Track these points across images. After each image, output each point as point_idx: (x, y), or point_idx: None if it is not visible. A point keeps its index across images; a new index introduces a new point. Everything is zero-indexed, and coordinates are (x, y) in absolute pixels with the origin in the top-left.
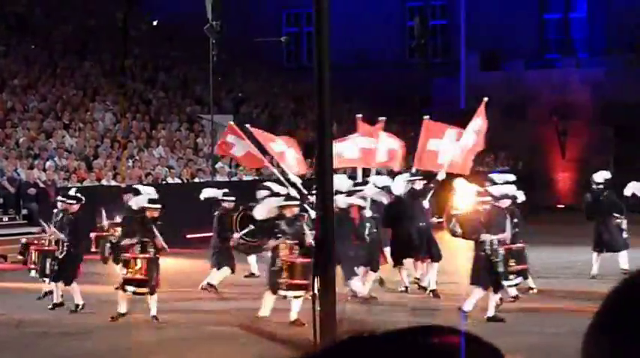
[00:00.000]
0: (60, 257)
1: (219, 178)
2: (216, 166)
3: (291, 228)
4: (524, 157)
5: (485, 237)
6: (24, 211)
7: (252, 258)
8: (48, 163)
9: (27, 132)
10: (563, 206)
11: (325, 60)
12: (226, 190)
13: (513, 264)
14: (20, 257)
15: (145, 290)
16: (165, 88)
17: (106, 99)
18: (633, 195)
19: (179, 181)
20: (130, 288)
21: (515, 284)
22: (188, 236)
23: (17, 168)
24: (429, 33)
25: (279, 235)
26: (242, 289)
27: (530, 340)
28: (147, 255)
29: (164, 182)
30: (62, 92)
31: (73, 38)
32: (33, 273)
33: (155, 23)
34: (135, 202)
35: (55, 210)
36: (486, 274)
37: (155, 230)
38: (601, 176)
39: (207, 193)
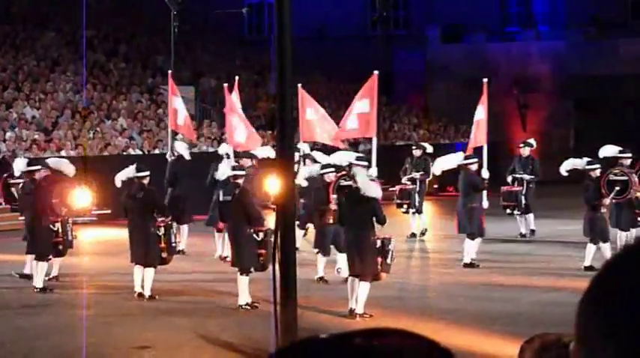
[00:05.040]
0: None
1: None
2: (177, 137)
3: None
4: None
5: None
6: None
7: None
8: (8, 134)
9: None
10: None
11: (287, 32)
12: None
13: None
14: None
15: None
16: (126, 59)
17: (67, 70)
18: None
19: (140, 152)
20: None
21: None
22: None
23: None
24: (390, 5)
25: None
26: (205, 264)
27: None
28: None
29: (125, 153)
30: (23, 63)
31: (33, 9)
32: None
33: None
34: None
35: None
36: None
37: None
38: None
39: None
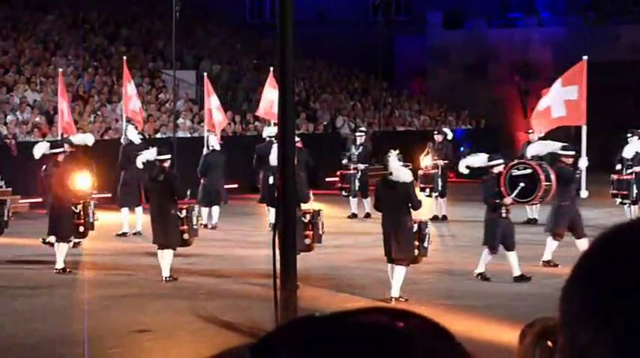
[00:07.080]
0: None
1: (180, 134)
2: (178, 122)
3: None
4: (486, 116)
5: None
6: None
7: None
8: (9, 117)
9: None
10: None
11: (288, 16)
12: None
13: None
14: None
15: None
16: (127, 43)
17: (68, 53)
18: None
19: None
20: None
21: None
22: None
23: None
24: None
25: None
26: (203, 246)
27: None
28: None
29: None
30: (24, 46)
31: None
32: None
33: None
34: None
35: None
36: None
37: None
38: None
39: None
